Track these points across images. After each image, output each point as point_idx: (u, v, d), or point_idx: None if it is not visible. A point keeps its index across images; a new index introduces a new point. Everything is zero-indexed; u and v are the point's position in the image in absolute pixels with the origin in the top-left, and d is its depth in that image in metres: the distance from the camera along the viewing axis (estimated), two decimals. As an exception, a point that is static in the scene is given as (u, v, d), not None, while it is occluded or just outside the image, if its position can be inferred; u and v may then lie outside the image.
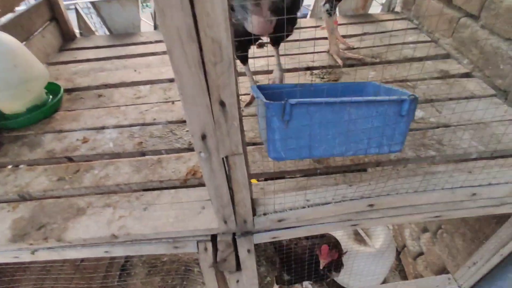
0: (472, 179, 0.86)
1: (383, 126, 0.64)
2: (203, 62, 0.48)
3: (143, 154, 1.10)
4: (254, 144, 1.08)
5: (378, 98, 0.61)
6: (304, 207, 0.80)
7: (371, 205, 0.84)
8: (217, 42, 0.46)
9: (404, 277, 2.18)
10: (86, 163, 1.06)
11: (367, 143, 0.65)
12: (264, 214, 0.80)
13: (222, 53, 0.48)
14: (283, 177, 0.98)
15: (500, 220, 1.13)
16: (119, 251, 0.86)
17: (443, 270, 1.78)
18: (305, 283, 2.02)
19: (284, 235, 0.87)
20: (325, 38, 1.69)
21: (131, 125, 1.22)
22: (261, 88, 0.80)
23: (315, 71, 1.48)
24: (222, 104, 0.55)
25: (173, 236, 0.83)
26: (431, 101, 1.25)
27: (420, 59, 1.53)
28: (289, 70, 1.50)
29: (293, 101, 0.59)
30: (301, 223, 0.85)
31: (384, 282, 2.12)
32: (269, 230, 0.85)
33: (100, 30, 2.63)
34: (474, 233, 1.37)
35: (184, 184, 0.98)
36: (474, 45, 1.40)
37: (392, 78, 1.38)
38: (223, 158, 0.63)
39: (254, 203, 0.81)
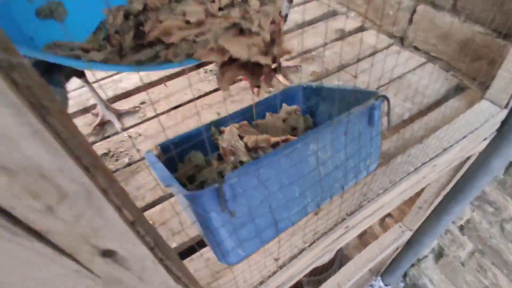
0: (427, 149, 0.77)
1: (359, 150, 0.45)
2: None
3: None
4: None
5: (343, 117, 0.41)
6: (276, 271, 0.59)
7: (346, 227, 0.68)
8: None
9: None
10: None
11: (343, 179, 0.46)
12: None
13: (52, 183, 0.19)
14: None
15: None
16: None
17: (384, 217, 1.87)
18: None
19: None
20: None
21: None
22: (162, 149, 0.51)
23: (208, 67, 1.22)
24: (107, 254, 0.27)
25: None
26: (343, 67, 1.15)
27: (310, 22, 1.41)
28: (177, 75, 1.20)
29: (233, 179, 0.34)
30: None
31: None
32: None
33: None
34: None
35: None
36: (357, -4, 1.34)
37: (295, 52, 1.23)
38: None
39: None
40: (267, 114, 0.61)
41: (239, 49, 0.48)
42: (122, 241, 0.26)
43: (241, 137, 0.52)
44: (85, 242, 0.24)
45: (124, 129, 1.01)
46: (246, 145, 0.51)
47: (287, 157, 0.38)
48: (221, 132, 0.56)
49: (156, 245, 0.31)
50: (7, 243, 0.20)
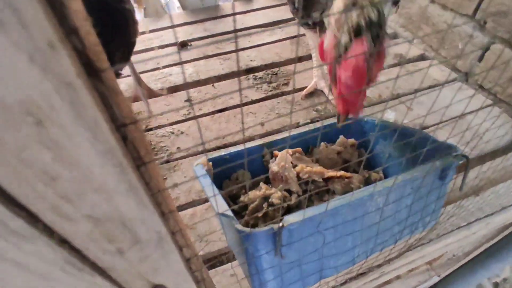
0: (483, 204, 0.71)
1: (423, 207, 0.42)
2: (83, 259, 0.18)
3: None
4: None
5: (416, 171, 0.37)
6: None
7: (382, 272, 0.63)
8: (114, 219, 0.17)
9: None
10: None
11: (399, 234, 0.43)
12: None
13: (131, 231, 0.18)
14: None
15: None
16: None
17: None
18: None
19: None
20: (261, 26, 1.42)
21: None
22: (212, 162, 0.50)
23: (258, 74, 1.21)
24: (158, 289, 0.25)
25: None
26: (397, 96, 1.09)
27: (368, 42, 1.35)
28: (226, 77, 1.20)
29: (293, 223, 0.32)
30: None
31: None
32: None
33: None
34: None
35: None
36: (424, 22, 1.27)
37: (349, 71, 1.18)
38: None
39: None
40: (322, 144, 0.58)
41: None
42: (175, 277, 0.25)
43: (293, 165, 0.50)
44: (141, 278, 0.23)
45: (168, 125, 1.02)
46: (297, 175, 0.49)
47: (351, 208, 0.35)
48: (273, 155, 0.54)
49: (202, 279, 0.30)
50: (69, 276, 0.20)
